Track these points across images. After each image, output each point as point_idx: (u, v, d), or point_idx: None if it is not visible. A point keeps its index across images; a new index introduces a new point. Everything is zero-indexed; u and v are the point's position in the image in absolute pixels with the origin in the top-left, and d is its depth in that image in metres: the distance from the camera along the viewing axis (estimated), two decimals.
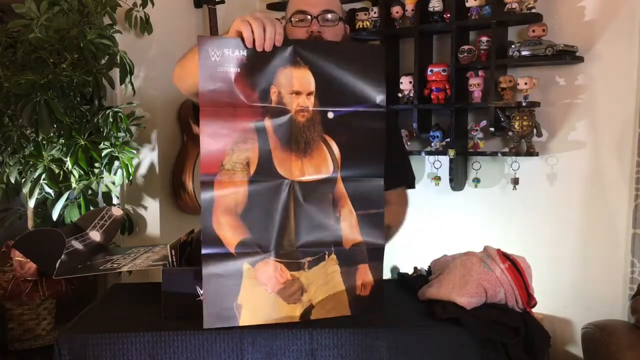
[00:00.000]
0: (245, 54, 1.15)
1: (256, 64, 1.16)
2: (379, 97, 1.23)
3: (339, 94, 1.21)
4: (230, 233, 1.16)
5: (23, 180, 2.22)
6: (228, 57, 1.14)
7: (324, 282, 1.20)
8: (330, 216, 1.21)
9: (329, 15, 1.49)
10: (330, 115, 1.21)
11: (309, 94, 1.19)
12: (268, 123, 1.17)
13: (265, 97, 1.17)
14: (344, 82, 1.21)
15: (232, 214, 1.16)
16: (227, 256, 1.16)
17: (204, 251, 1.15)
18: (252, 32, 1.14)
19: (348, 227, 1.22)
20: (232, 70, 1.14)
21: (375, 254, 1.24)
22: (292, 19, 1.50)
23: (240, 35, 1.15)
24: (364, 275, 1.23)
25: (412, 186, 1.69)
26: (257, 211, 1.17)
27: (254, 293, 1.17)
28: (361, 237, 1.23)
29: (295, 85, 1.18)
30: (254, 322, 1.18)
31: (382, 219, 1.24)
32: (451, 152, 2.76)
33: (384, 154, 1.26)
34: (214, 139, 1.15)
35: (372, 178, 1.24)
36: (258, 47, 1.15)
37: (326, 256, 1.21)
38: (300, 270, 1.19)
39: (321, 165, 1.20)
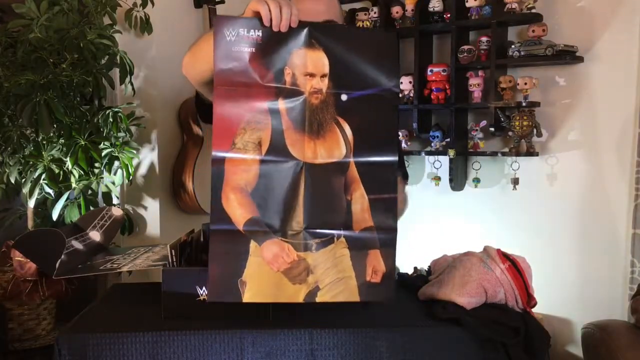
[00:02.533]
0: (260, 34, 1.16)
1: (271, 44, 1.17)
2: (393, 82, 1.23)
3: (352, 77, 1.21)
4: (239, 211, 1.16)
5: (23, 180, 2.22)
6: (243, 37, 1.15)
7: (332, 265, 1.19)
8: (341, 199, 1.20)
9: None
10: (344, 97, 1.21)
11: (323, 76, 1.19)
12: (281, 104, 1.18)
13: (280, 77, 1.17)
14: (358, 66, 1.21)
15: (242, 192, 1.16)
16: (234, 233, 1.16)
17: (212, 227, 1.16)
18: (270, 11, 1.14)
19: (359, 210, 1.21)
20: (247, 50, 1.15)
21: (387, 240, 1.22)
22: None
23: (256, 15, 1.16)
24: (375, 261, 1.21)
25: (407, 177, 1.69)
26: (267, 190, 1.17)
27: (259, 271, 1.17)
28: (372, 221, 1.21)
29: (309, 67, 1.18)
30: (257, 299, 1.18)
31: (394, 204, 1.23)
32: (451, 152, 2.76)
33: (397, 138, 1.25)
34: (227, 117, 1.15)
35: (386, 162, 1.23)
36: (274, 27, 1.15)
37: (335, 239, 1.20)
38: (307, 252, 1.18)
39: (334, 148, 1.20)
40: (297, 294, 1.18)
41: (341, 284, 1.19)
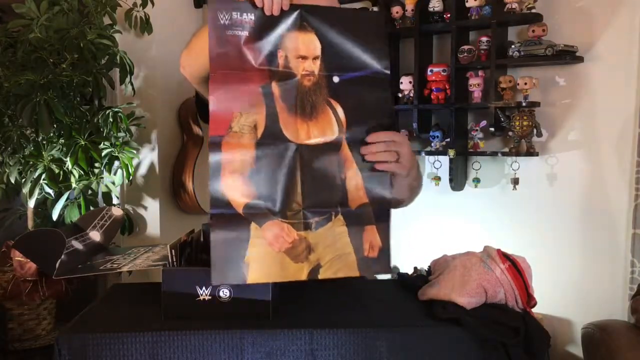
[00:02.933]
0: (253, 17, 1.17)
1: (263, 27, 1.18)
2: (382, 63, 1.25)
3: (344, 59, 1.23)
4: (237, 194, 1.17)
5: (23, 180, 2.22)
6: (237, 21, 1.17)
7: (332, 243, 1.21)
8: (336, 177, 1.22)
9: None
10: (336, 79, 1.22)
11: (315, 58, 1.21)
12: (275, 87, 1.19)
13: (273, 60, 1.19)
14: (349, 48, 1.23)
15: (240, 175, 1.17)
16: (234, 217, 1.17)
17: (212, 212, 1.17)
18: None
19: (354, 188, 1.23)
20: (241, 33, 1.17)
21: (381, 215, 1.24)
22: None
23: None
24: (371, 236, 1.23)
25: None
26: (264, 173, 1.18)
27: (261, 252, 1.18)
28: (367, 198, 1.23)
29: (301, 49, 1.20)
30: (262, 280, 1.19)
31: (387, 180, 1.25)
32: (451, 152, 2.76)
33: (391, 118, 1.27)
34: (223, 101, 1.17)
35: (378, 128, 1.25)
36: (267, 10, 1.17)
37: (333, 216, 1.21)
38: (307, 231, 1.20)
39: (326, 128, 1.22)
40: (300, 272, 1.19)
41: (341, 260, 1.21)
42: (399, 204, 1.48)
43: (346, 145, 1.23)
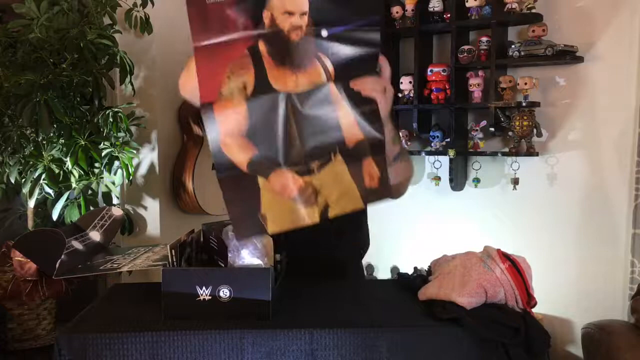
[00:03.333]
0: None
1: None
2: (374, 15, 1.25)
3: (333, 13, 1.22)
4: (239, 153, 1.19)
5: (23, 180, 2.22)
6: None
7: (335, 182, 1.24)
8: (329, 119, 1.24)
9: None
10: (324, 33, 1.22)
11: (303, 14, 1.20)
12: (262, 45, 1.20)
13: (258, 22, 1.19)
14: (338, 1, 1.23)
15: (237, 134, 1.19)
16: (241, 176, 1.19)
17: (219, 176, 1.19)
18: None
19: (348, 126, 1.24)
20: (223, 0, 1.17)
21: (376, 148, 1.26)
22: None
23: None
24: (369, 168, 1.26)
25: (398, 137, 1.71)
26: (259, 127, 1.20)
27: (273, 203, 1.21)
28: (362, 134, 1.25)
29: (287, 5, 1.19)
30: (280, 229, 1.21)
31: (378, 115, 1.26)
32: (451, 152, 2.76)
33: (376, 64, 1.27)
34: (210, 71, 1.18)
35: (364, 76, 1.25)
36: None
37: (332, 157, 1.23)
38: (311, 175, 1.22)
39: (315, 79, 1.23)
40: (312, 215, 1.22)
41: (346, 196, 1.24)
42: (397, 192, 1.49)
43: (335, 89, 1.24)
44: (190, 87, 1.39)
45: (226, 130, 1.19)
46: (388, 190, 1.27)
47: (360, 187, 1.25)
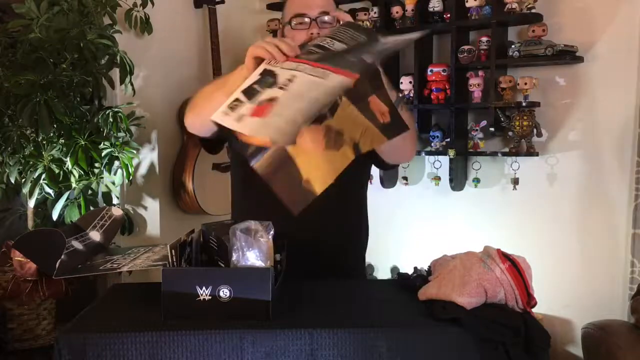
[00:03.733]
0: None
1: None
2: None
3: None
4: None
5: (23, 180, 2.22)
6: None
7: (352, 122, 1.25)
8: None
9: (326, 17, 1.52)
10: None
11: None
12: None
13: None
14: None
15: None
16: (272, 154, 1.22)
17: (251, 164, 1.22)
18: (268, 50, 1.19)
19: (342, 67, 1.23)
20: None
21: (375, 84, 1.28)
22: (292, 22, 1.53)
23: (258, 59, 1.20)
24: (376, 105, 1.27)
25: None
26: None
27: (310, 163, 1.23)
28: (358, 73, 1.22)
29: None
30: (327, 183, 1.23)
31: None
32: (451, 152, 2.76)
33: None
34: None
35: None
36: (280, 59, 1.18)
37: (339, 100, 1.24)
38: (326, 120, 1.24)
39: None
40: (346, 155, 1.25)
41: (368, 133, 1.26)
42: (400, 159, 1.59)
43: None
44: (198, 126, 1.48)
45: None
46: (402, 122, 1.28)
47: (376, 124, 1.27)
